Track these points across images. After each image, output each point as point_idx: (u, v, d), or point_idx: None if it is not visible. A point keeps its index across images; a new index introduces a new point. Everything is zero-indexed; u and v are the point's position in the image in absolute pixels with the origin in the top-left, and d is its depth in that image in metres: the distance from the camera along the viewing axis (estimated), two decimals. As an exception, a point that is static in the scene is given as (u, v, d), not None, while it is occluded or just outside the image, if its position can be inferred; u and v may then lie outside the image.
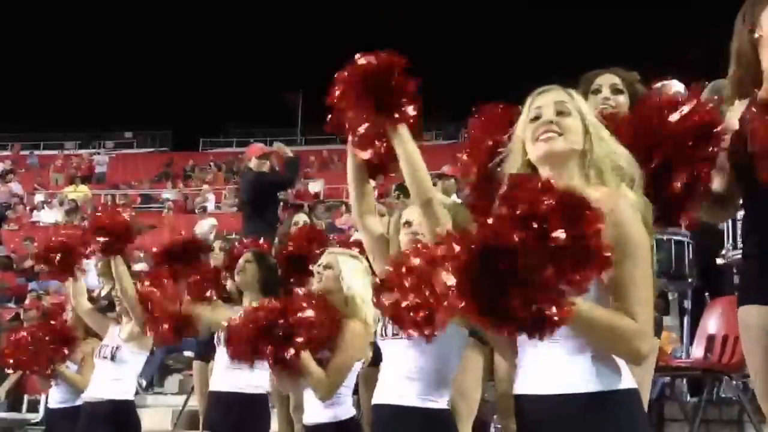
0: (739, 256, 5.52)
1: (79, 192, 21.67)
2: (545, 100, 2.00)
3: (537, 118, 1.99)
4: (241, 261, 4.47)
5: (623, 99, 3.07)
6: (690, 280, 5.69)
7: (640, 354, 1.79)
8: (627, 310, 1.76)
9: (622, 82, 3.10)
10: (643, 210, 1.87)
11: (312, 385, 3.44)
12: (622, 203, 1.82)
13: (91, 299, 5.75)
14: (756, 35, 2.43)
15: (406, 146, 2.57)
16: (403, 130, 2.58)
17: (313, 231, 5.28)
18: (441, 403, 2.77)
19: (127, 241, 4.99)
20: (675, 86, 8.20)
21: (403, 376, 2.78)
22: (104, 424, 4.88)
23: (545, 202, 1.53)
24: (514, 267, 1.50)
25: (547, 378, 1.84)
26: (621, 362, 1.85)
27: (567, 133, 1.94)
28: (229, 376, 4.24)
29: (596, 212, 1.57)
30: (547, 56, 22.16)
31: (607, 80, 3.09)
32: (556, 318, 1.54)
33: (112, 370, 4.96)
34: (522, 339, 1.87)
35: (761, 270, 2.38)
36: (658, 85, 8.35)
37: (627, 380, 1.85)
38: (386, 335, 2.90)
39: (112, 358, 4.97)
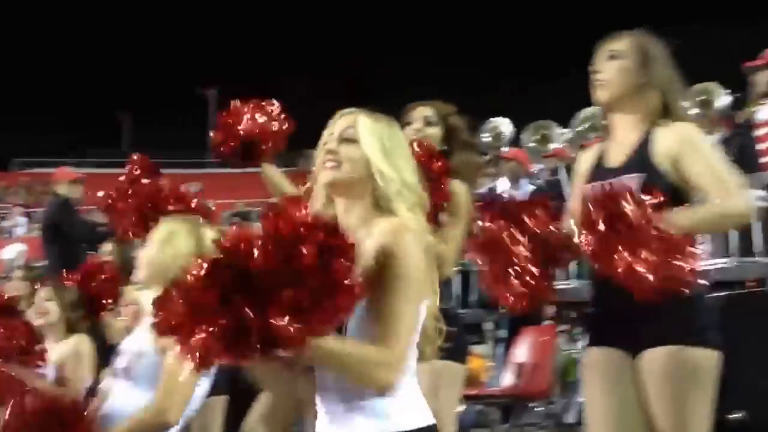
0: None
1: None
2: (337, 125, 2.01)
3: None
4: (39, 300, 3.98)
5: (432, 131, 3.21)
6: (504, 309, 5.89)
7: (381, 383, 1.78)
8: (379, 340, 1.78)
9: (436, 114, 3.22)
10: (426, 239, 1.91)
11: None
12: (405, 237, 1.84)
13: None
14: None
15: None
16: None
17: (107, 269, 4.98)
18: None
19: None
20: (499, 123, 8.47)
21: None
22: None
23: (297, 229, 1.60)
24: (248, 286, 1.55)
25: (333, 420, 1.86)
26: (415, 402, 1.86)
27: (345, 162, 1.94)
28: None
29: (347, 244, 1.63)
30: (550, 55, 22.40)
31: (419, 113, 3.22)
32: (286, 337, 1.55)
33: None
34: (318, 380, 1.89)
35: None
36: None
37: (417, 420, 1.86)
38: None
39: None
